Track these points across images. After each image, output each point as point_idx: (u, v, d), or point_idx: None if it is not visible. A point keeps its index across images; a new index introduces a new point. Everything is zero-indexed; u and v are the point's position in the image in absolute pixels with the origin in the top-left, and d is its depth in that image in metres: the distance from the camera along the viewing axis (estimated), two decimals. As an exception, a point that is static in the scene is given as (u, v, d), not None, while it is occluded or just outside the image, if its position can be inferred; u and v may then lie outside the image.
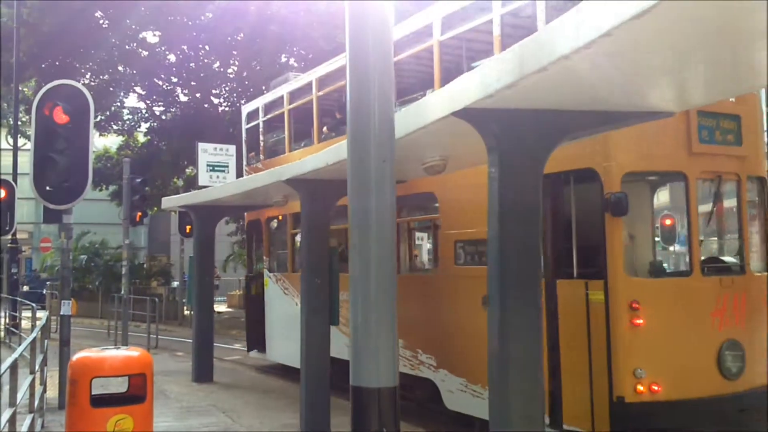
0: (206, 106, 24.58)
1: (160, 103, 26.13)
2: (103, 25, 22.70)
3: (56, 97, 9.11)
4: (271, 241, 13.14)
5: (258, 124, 12.99)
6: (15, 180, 18.26)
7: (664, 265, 7.56)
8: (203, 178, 13.47)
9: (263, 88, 24.00)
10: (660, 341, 6.31)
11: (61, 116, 8.98)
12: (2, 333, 17.40)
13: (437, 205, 8.67)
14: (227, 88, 25.07)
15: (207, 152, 13.65)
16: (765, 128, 8.16)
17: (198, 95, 24.65)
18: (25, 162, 21.31)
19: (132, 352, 6.33)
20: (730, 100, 6.81)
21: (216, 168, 13.58)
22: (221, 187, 11.99)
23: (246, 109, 14.04)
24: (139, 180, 14.61)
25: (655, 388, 6.19)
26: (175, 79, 24.93)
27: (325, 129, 10.84)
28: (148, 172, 22.22)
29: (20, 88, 22.46)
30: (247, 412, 9.28)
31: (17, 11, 19.21)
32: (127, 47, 23.47)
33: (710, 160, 6.82)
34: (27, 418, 6.62)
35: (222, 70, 24.48)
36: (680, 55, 3.64)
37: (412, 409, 8.63)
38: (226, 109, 24.40)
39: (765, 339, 6.91)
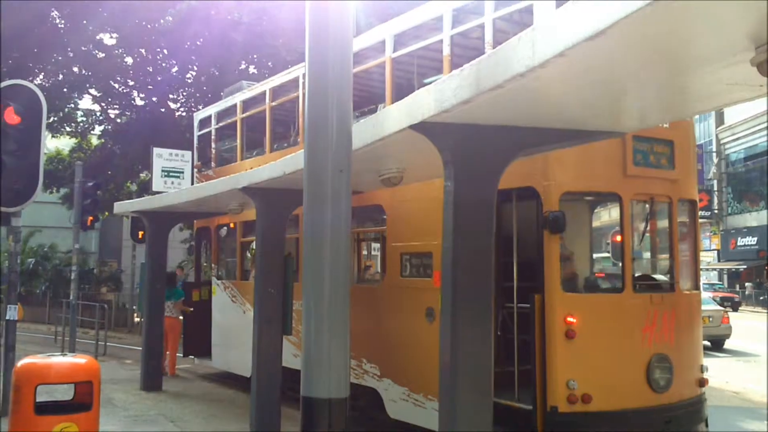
0: (163, 110, 24.27)
1: (115, 106, 25.68)
2: (59, 26, 22.26)
3: (8, 97, 8.90)
4: (221, 248, 13.10)
5: (210, 131, 13.00)
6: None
7: (599, 281, 7.91)
8: (157, 183, 13.29)
9: (221, 94, 23.84)
10: (592, 354, 6.56)
11: (12, 117, 8.78)
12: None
13: (385, 217, 8.79)
14: (185, 93, 24.79)
15: (162, 157, 13.48)
16: (696, 153, 8.37)
17: (154, 99, 24.31)
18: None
19: (79, 359, 6.22)
20: (664, 125, 7.07)
21: (171, 174, 13.41)
22: (176, 193, 11.86)
23: (198, 116, 14.03)
24: (91, 183, 14.34)
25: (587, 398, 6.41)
26: (131, 82, 24.55)
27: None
28: (101, 176, 21.81)
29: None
30: (196, 421, 9.17)
31: (-31, 7, 18.70)
32: (83, 48, 23.04)
33: (644, 182, 7.14)
34: (-33, 425, 6.44)
35: (180, 74, 24.20)
36: (632, 77, 3.77)
37: (355, 418, 8.51)
38: (183, 114, 24.12)
39: (692, 354, 7.26)
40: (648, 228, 7.59)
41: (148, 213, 12.00)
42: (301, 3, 14.70)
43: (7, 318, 9.32)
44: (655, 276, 7.68)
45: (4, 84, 9.32)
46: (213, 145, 12.87)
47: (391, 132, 5.14)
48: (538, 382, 6.44)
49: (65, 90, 23.59)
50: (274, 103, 10.96)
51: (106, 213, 24.36)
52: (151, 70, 23.91)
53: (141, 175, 25.01)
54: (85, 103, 26.51)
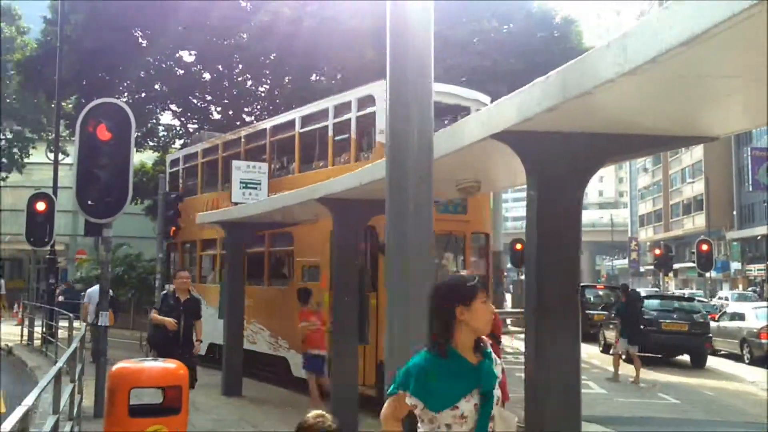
0: (238, 123, 24.92)
1: (194, 120, 26.55)
2: (142, 44, 23.20)
3: (100, 115, 9.32)
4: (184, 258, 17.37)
5: (179, 170, 17.62)
6: (55, 193, 18.62)
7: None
8: (236, 194, 13.59)
9: (293, 105, 24.31)
10: None
11: (104, 133, 9.18)
12: (39, 342, 17.75)
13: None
14: (258, 106, 25.43)
15: (240, 169, 13.80)
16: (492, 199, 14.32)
17: (230, 113, 25.02)
18: (63, 176, 21.66)
19: (169, 364, 6.45)
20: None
21: (249, 185, 13.72)
22: (254, 204, 12.17)
23: (170, 157, 19.39)
24: (174, 195, 14.84)
25: None
26: (209, 97, 25.34)
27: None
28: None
29: (60, 104, 23.00)
30: (275, 426, 9.33)
31: (60, 29, 19.71)
32: (163, 65, 23.94)
33: (445, 223, 10.19)
34: (66, 426, 6.73)
35: (254, 88, 24.83)
36: (726, 82, 3.66)
37: (270, 379, 13.08)
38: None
39: None
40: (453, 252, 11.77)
41: (228, 223, 12.34)
42: (370, 15, 16.01)
43: (99, 323, 9.75)
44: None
45: (96, 102, 9.78)
46: (180, 181, 17.08)
47: (472, 141, 5.15)
48: None
49: (148, 106, 24.56)
50: (224, 154, 15.46)
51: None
52: (227, 84, 24.64)
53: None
54: (166, 118, 27.52)
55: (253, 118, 25.44)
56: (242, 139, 14.97)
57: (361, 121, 11.46)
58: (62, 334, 15.82)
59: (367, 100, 11.38)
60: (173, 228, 14.60)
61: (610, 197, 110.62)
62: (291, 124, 13.33)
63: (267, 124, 14.85)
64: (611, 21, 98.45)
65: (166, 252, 16.46)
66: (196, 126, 26.73)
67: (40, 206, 17.21)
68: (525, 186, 5.89)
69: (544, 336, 4.55)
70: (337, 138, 11.91)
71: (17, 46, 30.38)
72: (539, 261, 4.61)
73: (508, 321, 29.63)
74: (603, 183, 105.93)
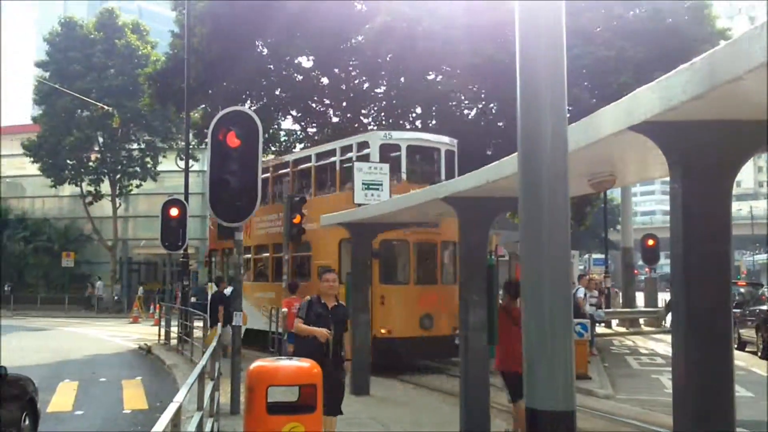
0: (356, 125, 25.32)
1: (313, 124, 27.21)
2: (263, 53, 24.02)
3: (229, 123, 9.72)
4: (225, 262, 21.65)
5: None
6: (186, 199, 19.64)
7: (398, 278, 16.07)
8: (359, 196, 13.80)
9: (409, 107, 24.42)
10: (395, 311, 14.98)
11: (234, 140, 9.57)
12: (175, 341, 18.82)
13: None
14: (375, 108, 25.70)
15: (362, 171, 14.01)
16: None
17: (348, 115, 25.45)
18: (191, 182, 22.81)
19: (303, 363, 6.57)
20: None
21: (371, 186, 13.90)
22: (378, 204, 12.30)
23: None
24: (298, 198, 15.27)
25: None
26: (327, 101, 25.88)
27: None
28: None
29: (189, 114, 24.20)
30: (404, 425, 9.39)
31: (188, 42, 20.76)
32: (283, 72, 24.69)
33: (422, 234, 15.25)
34: (208, 422, 7.06)
35: (371, 90, 25.13)
36: None
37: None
38: (375, 128, 25.00)
39: (445, 314, 14.89)
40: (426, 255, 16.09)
41: (352, 225, 12.53)
42: (484, 10, 15.87)
43: (233, 324, 10.18)
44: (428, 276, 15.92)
45: (225, 111, 10.21)
46: None
47: (607, 134, 4.93)
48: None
49: (270, 111, 25.41)
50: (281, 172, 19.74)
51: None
52: (344, 88, 25.08)
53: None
54: (287, 123, 28.39)
55: (370, 119, 25.78)
56: (270, 168, 19.49)
57: (360, 159, 15.43)
58: (196, 333, 16.68)
59: (364, 145, 16.00)
60: (299, 230, 15.01)
61: (748, 188, 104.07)
62: (308, 158, 18.31)
63: (290, 157, 19.93)
64: (744, 3, 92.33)
65: (289, 251, 16.87)
66: (315, 129, 27.41)
67: (174, 212, 18.27)
68: (653, 179, 5.67)
69: (693, 338, 4.27)
70: (344, 166, 16.17)
71: (151, 60, 32.39)
72: (686, 258, 4.34)
73: (641, 320, 28.36)
74: (741, 173, 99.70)
